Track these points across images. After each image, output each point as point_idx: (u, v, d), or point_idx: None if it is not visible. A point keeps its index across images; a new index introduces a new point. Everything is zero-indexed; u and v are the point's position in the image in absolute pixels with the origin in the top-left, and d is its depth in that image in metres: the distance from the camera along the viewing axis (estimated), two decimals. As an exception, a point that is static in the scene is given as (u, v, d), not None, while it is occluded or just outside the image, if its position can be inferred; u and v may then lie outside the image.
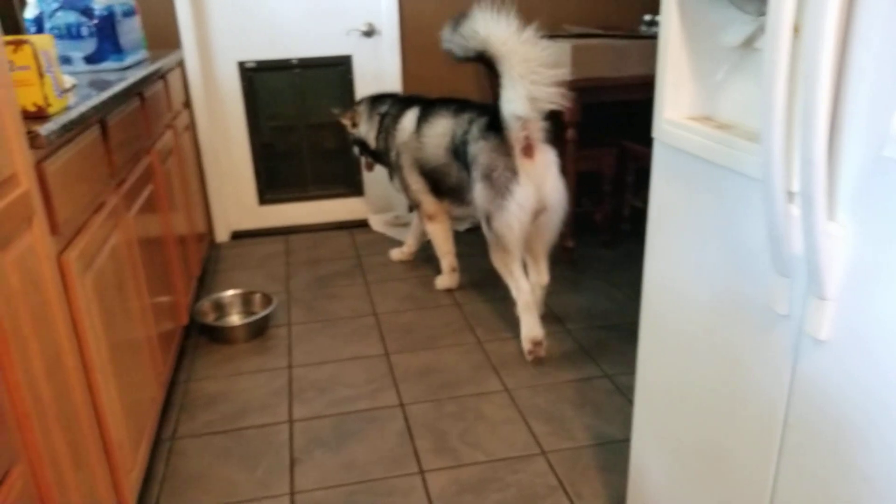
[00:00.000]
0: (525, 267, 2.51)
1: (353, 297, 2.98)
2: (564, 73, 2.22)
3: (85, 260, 1.45)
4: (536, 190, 2.34)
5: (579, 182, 3.47)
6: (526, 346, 2.43)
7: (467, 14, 2.25)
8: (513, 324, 2.68)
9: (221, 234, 3.64)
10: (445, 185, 2.73)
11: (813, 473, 0.94)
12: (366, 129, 3.08)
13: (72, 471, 1.26)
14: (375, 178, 3.65)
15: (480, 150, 2.40)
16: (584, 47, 2.90)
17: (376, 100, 3.08)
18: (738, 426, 1.10)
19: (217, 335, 2.65)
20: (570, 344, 2.53)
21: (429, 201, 2.90)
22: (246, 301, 2.85)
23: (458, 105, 2.67)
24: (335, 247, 3.54)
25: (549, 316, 2.74)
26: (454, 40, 2.30)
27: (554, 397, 2.21)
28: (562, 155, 3.07)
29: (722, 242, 1.09)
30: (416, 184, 2.87)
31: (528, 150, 2.32)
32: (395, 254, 3.33)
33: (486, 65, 2.28)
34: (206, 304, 2.78)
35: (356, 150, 3.22)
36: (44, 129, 1.28)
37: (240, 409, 2.20)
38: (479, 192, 2.42)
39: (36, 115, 1.38)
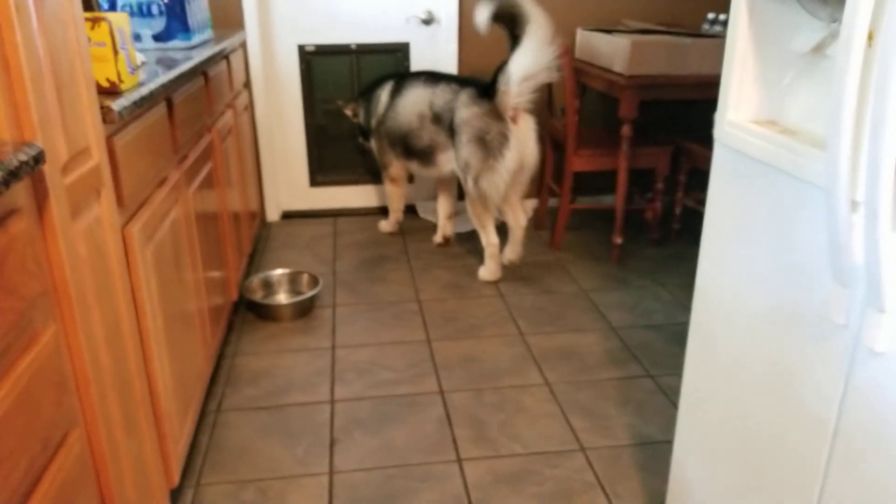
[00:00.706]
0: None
1: (397, 281, 3.01)
2: (556, 49, 2.64)
3: (147, 232, 1.50)
4: (520, 153, 2.74)
5: (632, 178, 3.44)
6: (482, 279, 3.00)
7: None
8: (556, 318, 2.68)
9: (272, 214, 3.71)
10: (416, 147, 3.06)
11: (861, 483, 0.92)
12: (363, 115, 3.33)
13: (124, 437, 1.31)
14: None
15: (474, 116, 2.75)
16: (642, 43, 2.86)
17: (369, 87, 3.31)
18: (786, 433, 1.09)
19: (264, 312, 2.71)
20: (614, 342, 2.52)
21: (396, 166, 3.28)
22: (293, 280, 2.90)
23: (426, 76, 3.04)
24: (382, 232, 3.58)
25: (593, 312, 2.73)
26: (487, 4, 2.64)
27: (595, 394, 2.21)
28: (615, 151, 3.05)
29: (779, 249, 1.07)
30: (387, 150, 3.23)
31: (514, 117, 2.72)
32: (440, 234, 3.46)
33: (508, 27, 2.63)
34: (255, 281, 2.84)
35: (360, 139, 3.45)
36: (116, 104, 1.32)
37: (283, 387, 2.25)
38: (469, 153, 2.77)
39: (109, 91, 1.43)
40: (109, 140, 1.34)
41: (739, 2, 1.09)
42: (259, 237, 3.48)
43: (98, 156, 1.25)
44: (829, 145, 0.84)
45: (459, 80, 2.93)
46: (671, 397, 2.19)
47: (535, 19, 2.57)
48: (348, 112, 3.42)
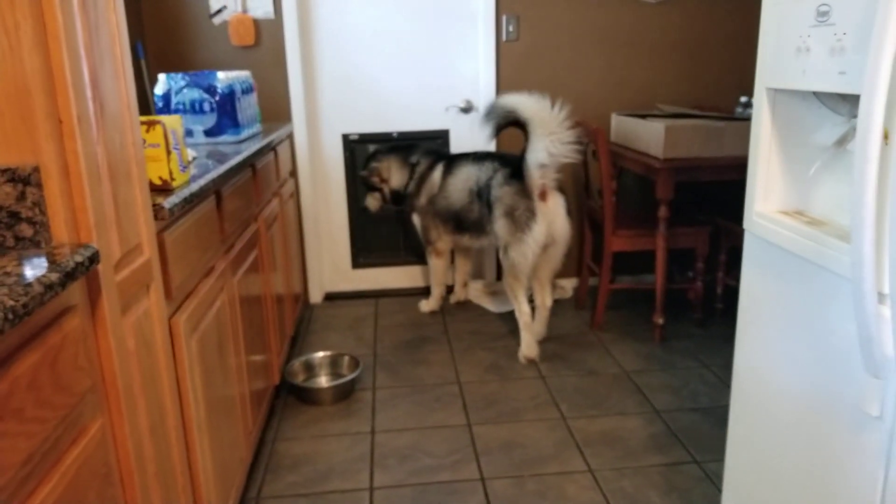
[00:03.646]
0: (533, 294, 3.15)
1: (438, 363, 3.01)
2: (575, 133, 2.85)
3: (192, 322, 1.55)
4: (548, 227, 2.94)
5: (672, 258, 3.43)
6: (522, 359, 3.04)
7: (501, 96, 2.99)
8: (599, 401, 2.64)
9: (315, 296, 3.78)
10: (468, 221, 3.22)
11: None
12: (398, 179, 3.44)
13: (166, 524, 1.33)
14: (466, 247, 3.73)
15: (505, 193, 2.98)
16: (676, 128, 2.91)
17: (396, 152, 3.46)
18: (831, 534, 1.05)
19: (305, 396, 2.73)
20: (658, 426, 2.46)
21: (443, 241, 3.44)
22: (334, 363, 2.93)
23: (475, 156, 3.24)
24: (423, 312, 3.61)
25: (637, 394, 2.68)
26: (495, 112, 2.95)
27: (640, 481, 2.15)
28: (654, 231, 3.06)
29: (811, 337, 1.06)
30: (437, 227, 3.38)
31: (543, 195, 2.92)
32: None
33: (520, 128, 2.91)
34: (296, 364, 2.88)
35: (374, 201, 3.55)
36: (167, 202, 1.40)
37: (323, 473, 2.24)
38: (501, 227, 2.99)
39: (161, 188, 1.52)
40: (160, 235, 1.41)
41: (762, 98, 1.13)
42: (302, 319, 3.54)
43: (149, 251, 1.32)
44: (853, 239, 0.85)
45: (501, 159, 3.13)
46: (717, 484, 2.11)
47: (537, 119, 2.81)
48: (375, 179, 3.48)
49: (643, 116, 3.25)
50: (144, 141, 1.52)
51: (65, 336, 0.96)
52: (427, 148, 3.48)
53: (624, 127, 3.35)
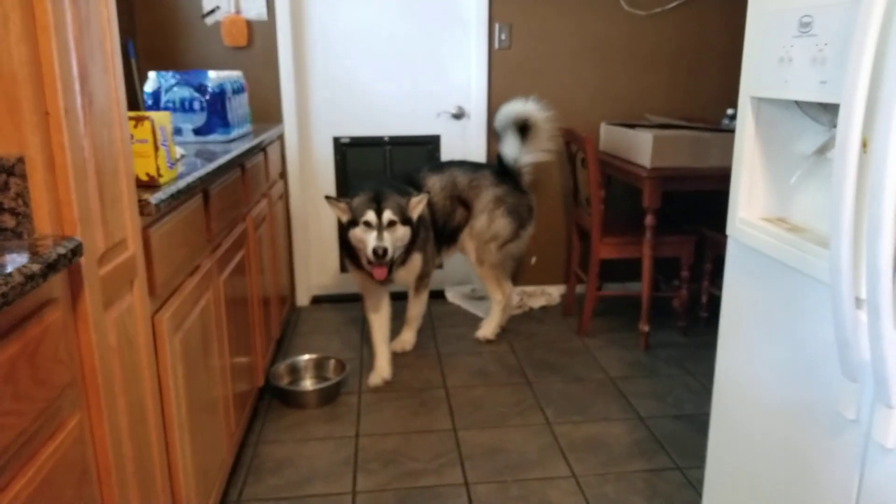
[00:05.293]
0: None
1: (424, 367, 3.01)
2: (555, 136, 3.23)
3: (176, 321, 1.55)
4: None
5: (658, 267, 3.45)
6: (490, 336, 3.29)
7: (510, 102, 3.17)
8: (584, 407, 2.65)
9: (302, 298, 3.78)
10: (449, 228, 3.15)
11: None
12: (420, 212, 2.78)
13: (145, 522, 1.32)
14: (454, 252, 3.73)
15: (505, 192, 3.13)
16: (664, 138, 2.93)
17: (410, 183, 2.99)
18: (807, 538, 1.06)
19: (289, 399, 2.72)
20: (642, 432, 2.47)
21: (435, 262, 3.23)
22: (320, 366, 2.92)
23: (438, 166, 3.20)
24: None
25: (621, 400, 2.69)
26: (509, 118, 3.13)
27: (623, 487, 2.15)
28: (640, 239, 3.08)
29: (791, 342, 1.07)
30: (433, 247, 3.09)
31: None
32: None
33: (520, 131, 3.12)
34: (281, 367, 2.87)
35: (402, 248, 2.76)
36: (154, 197, 1.40)
37: (305, 477, 2.23)
38: (500, 224, 3.13)
39: (147, 184, 1.52)
40: (145, 231, 1.41)
41: (746, 107, 1.14)
42: (288, 322, 3.53)
43: (133, 247, 1.31)
44: (832, 245, 0.86)
45: (467, 164, 3.24)
46: (699, 490, 2.11)
47: (540, 124, 3.12)
48: (411, 214, 2.74)
49: (632, 126, 3.27)
50: (132, 136, 1.51)
51: (45, 329, 0.96)
52: (399, 173, 3.24)
53: (613, 136, 3.37)
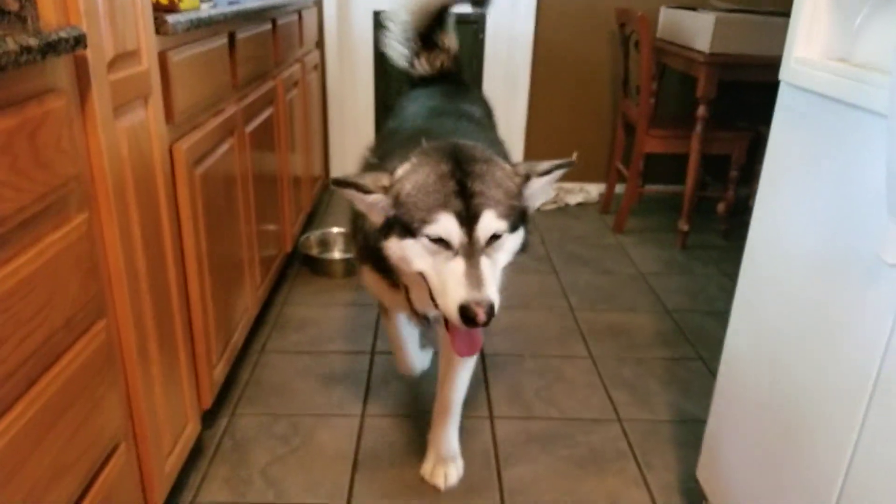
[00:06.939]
0: None
1: (453, 251, 2.98)
2: None
3: (195, 154, 1.52)
4: None
5: (707, 166, 3.30)
6: None
7: None
8: (610, 297, 2.60)
9: (338, 179, 3.74)
10: None
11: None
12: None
13: (155, 344, 1.33)
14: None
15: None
16: (727, 20, 2.74)
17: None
18: (824, 390, 1.01)
19: (317, 267, 2.73)
20: (668, 324, 2.42)
21: None
22: (349, 240, 2.91)
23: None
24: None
25: (650, 294, 2.63)
26: None
27: (641, 371, 2.12)
28: (690, 133, 2.93)
29: (837, 190, 1.00)
30: None
31: None
32: None
33: None
34: (311, 237, 2.87)
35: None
36: (171, 17, 1.35)
37: (328, 336, 2.26)
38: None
39: (167, 9, 1.46)
40: (163, 54, 1.36)
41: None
42: (320, 200, 3.51)
43: (147, 63, 1.27)
44: (892, 69, 0.76)
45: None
46: (722, 381, 2.08)
47: None
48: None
49: (694, 9, 3.06)
50: (154, -43, 1.45)
51: (46, 113, 0.93)
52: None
53: (672, 20, 3.17)
